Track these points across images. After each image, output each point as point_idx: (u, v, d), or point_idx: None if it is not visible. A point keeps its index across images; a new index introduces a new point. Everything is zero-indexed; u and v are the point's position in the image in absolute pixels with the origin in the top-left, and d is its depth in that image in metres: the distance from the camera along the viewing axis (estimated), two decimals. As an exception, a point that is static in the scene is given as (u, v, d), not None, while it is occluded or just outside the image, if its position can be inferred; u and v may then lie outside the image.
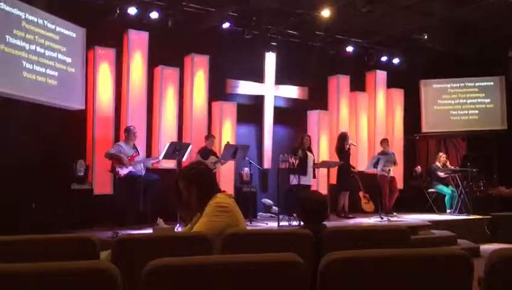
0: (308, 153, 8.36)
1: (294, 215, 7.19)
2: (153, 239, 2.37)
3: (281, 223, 7.37)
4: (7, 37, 6.25)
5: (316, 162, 8.79)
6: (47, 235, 2.07)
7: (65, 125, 7.34)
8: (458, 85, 11.04)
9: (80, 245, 2.04)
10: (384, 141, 9.42)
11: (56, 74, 7.04)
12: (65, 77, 7.19)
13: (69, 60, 7.28)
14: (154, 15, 8.11)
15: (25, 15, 6.57)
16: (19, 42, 6.43)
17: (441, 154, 10.23)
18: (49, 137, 6.92)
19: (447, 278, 1.56)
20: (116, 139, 7.71)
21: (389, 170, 9.07)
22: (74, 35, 7.41)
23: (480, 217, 9.09)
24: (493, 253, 1.53)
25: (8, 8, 6.31)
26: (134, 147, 7.41)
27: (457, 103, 11.03)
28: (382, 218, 8.30)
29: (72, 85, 7.32)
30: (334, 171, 9.05)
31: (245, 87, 9.41)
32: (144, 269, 1.37)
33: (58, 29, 7.13)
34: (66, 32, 7.27)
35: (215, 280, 1.40)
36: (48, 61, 6.91)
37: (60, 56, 7.13)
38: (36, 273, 1.24)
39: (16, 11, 6.44)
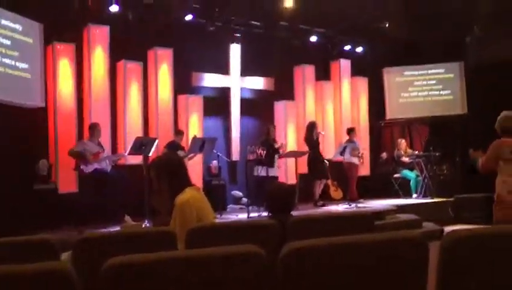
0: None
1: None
2: (115, 237, 2.33)
3: (251, 215, 7.39)
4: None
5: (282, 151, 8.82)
6: (2, 239, 2.00)
7: (25, 124, 7.13)
8: (419, 72, 11.27)
9: (37, 247, 1.99)
10: (351, 130, 9.51)
11: (14, 71, 6.81)
12: (23, 74, 6.96)
13: (26, 56, 7.05)
14: (114, 8, 7.94)
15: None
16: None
17: (399, 140, 10.47)
18: (8, 137, 6.70)
19: (404, 261, 1.59)
20: (80, 136, 7.54)
21: (360, 156, 9.19)
22: (31, 31, 7.17)
23: (444, 199, 9.37)
24: (446, 235, 1.57)
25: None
26: (99, 144, 7.26)
27: (420, 90, 11.27)
28: (350, 205, 8.44)
29: (31, 82, 7.09)
30: (302, 160, 9.12)
31: (210, 80, 9.35)
32: (101, 269, 1.34)
33: (13, 25, 6.88)
34: (23, 28, 7.03)
35: (174, 276, 1.39)
36: (3, 59, 6.67)
37: (17, 53, 6.89)
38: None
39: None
